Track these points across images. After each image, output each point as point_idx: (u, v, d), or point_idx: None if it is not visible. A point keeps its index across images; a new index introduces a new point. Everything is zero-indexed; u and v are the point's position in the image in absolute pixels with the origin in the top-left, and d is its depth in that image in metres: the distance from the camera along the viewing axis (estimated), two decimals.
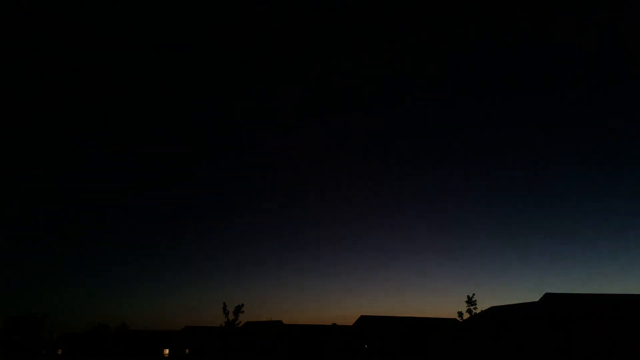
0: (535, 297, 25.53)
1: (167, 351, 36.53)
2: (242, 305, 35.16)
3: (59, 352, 33.08)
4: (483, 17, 33.60)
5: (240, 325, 34.97)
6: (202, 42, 35.86)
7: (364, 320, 34.00)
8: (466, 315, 32.65)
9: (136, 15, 32.29)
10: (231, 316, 34.18)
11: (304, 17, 33.97)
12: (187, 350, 35.86)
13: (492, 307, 27.27)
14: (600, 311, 23.11)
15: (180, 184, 64.53)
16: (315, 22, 33.87)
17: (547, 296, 25.09)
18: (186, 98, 45.84)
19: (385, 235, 62.69)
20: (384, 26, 34.98)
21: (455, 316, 33.61)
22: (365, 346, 32.47)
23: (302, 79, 41.55)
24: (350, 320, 37.69)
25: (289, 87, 43.21)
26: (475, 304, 32.96)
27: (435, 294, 56.22)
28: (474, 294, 33.30)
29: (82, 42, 33.75)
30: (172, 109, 47.85)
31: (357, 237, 62.87)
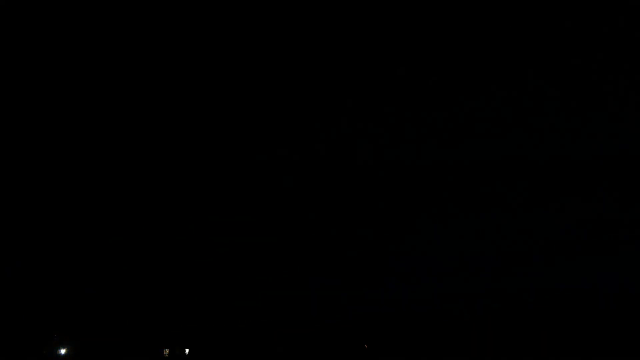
0: (536, 297, 25.56)
1: (167, 351, 36.53)
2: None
3: None
4: None
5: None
6: None
7: (364, 320, 33.91)
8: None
9: None
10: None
11: None
12: (186, 351, 35.88)
13: (492, 306, 27.29)
14: (601, 311, 23.14)
15: None
16: None
17: (547, 296, 25.11)
18: None
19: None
20: None
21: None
22: (366, 346, 32.49)
23: None
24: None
25: None
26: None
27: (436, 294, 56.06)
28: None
29: None
30: None
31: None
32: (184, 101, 34.74)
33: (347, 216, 35.05)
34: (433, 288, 33.06)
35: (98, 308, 32.85)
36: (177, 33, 33.31)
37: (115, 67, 33.39)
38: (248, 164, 34.76)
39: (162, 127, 34.33)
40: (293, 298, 35.94)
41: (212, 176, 34.61)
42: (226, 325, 33.83)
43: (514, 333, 24.51)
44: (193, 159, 34.38)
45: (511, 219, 34.49)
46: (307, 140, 35.41)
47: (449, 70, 35.77)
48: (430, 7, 32.98)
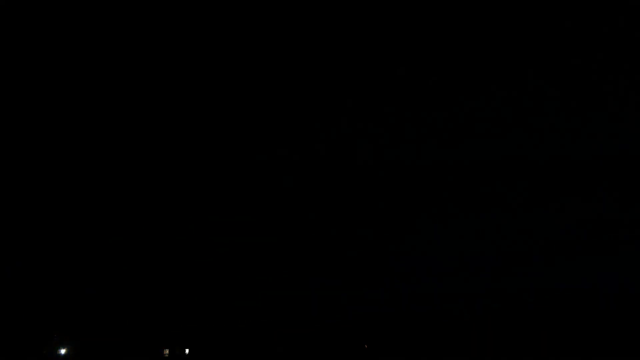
0: (536, 297, 25.56)
1: (167, 351, 36.50)
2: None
3: None
4: None
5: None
6: None
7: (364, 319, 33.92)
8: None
9: None
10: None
11: None
12: (186, 351, 35.85)
13: (492, 306, 27.28)
14: (601, 311, 23.13)
15: None
16: None
17: (547, 296, 25.10)
18: None
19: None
20: None
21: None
22: (366, 346, 32.50)
23: None
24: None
25: None
26: None
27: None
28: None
29: None
30: None
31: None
32: (184, 101, 34.67)
33: (347, 216, 34.98)
34: (433, 288, 33.04)
35: (98, 308, 32.83)
36: (177, 33, 33.27)
37: (115, 67, 33.34)
38: (248, 164, 34.70)
39: (162, 127, 34.27)
40: (293, 298, 35.82)
41: (212, 176, 34.56)
42: (226, 325, 33.83)
43: (514, 333, 24.50)
44: (193, 159, 34.34)
45: (511, 219, 34.46)
46: (307, 140, 35.33)
47: (449, 70, 35.70)
48: (430, 7, 32.95)
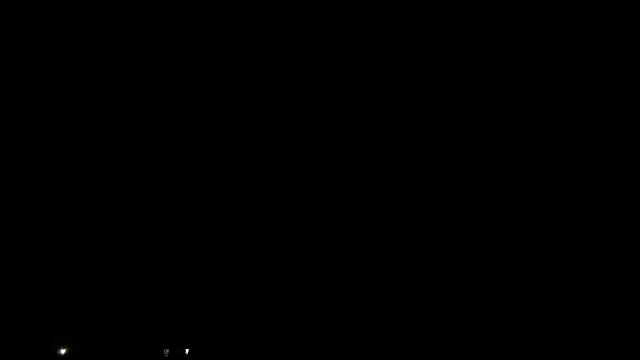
0: (535, 297, 25.58)
1: (167, 351, 36.54)
2: None
3: None
4: None
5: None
6: None
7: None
8: None
9: None
10: None
11: None
12: (186, 351, 35.89)
13: (492, 306, 27.32)
14: (601, 309, 23.18)
15: None
16: None
17: (547, 296, 25.13)
18: None
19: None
20: None
21: None
22: (366, 346, 32.52)
23: None
24: None
25: None
26: None
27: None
28: None
29: None
30: None
31: None
32: (183, 101, 34.73)
33: (347, 216, 35.07)
34: (433, 288, 33.08)
35: (98, 308, 32.89)
36: (176, 32, 33.32)
37: (115, 66, 33.39)
38: (248, 164, 34.75)
39: (160, 127, 34.36)
40: (293, 298, 36.00)
41: (212, 176, 34.63)
42: (226, 325, 33.86)
43: (513, 333, 24.52)
44: (192, 159, 34.39)
45: (511, 218, 34.53)
46: (306, 140, 35.39)
47: (448, 70, 35.76)
48: (430, 6, 33.03)
